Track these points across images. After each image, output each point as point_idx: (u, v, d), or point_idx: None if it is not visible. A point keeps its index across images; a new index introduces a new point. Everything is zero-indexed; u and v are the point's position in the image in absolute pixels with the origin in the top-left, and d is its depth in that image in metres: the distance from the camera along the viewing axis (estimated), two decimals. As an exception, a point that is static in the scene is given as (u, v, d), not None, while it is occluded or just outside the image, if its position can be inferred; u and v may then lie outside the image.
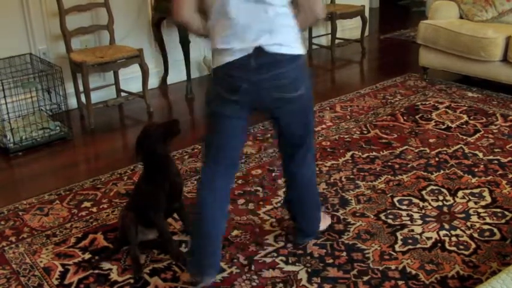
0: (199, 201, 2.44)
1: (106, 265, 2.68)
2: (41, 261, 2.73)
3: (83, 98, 4.46)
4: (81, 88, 4.42)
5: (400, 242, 2.78)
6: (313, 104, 2.53)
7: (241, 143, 2.50)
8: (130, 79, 4.91)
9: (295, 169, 2.58)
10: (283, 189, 3.27)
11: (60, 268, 2.68)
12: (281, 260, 2.68)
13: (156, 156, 2.63)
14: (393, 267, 2.60)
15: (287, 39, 2.20)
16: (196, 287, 2.46)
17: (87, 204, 3.24)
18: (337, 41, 6.21)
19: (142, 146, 2.62)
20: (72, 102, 4.64)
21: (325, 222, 2.88)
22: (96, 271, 2.64)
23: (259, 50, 2.15)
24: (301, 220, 2.74)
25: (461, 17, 5.20)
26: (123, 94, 4.83)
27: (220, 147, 2.38)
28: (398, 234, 2.85)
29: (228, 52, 2.18)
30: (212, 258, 2.44)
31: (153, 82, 5.21)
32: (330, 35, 6.22)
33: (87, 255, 2.76)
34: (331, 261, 2.66)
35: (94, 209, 3.18)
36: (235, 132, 2.38)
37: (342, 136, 4.03)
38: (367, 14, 6.50)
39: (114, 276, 2.61)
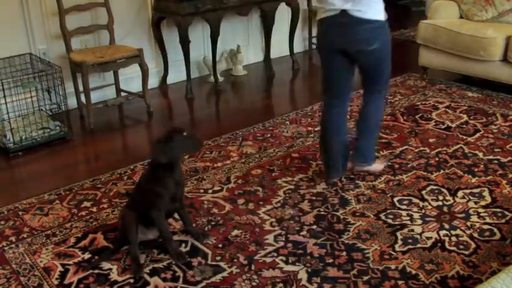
0: (322, 119, 3.40)
1: (106, 265, 2.68)
2: (41, 261, 2.73)
3: (82, 98, 4.46)
4: (81, 88, 4.42)
5: (400, 242, 2.78)
6: (388, 59, 3.22)
7: (344, 79, 3.23)
8: (130, 79, 4.91)
9: (365, 102, 3.35)
10: (283, 190, 3.29)
11: (60, 268, 2.68)
12: (281, 260, 2.67)
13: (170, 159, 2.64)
14: (393, 267, 2.60)
15: (364, 8, 2.92)
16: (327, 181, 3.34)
17: (87, 204, 3.24)
18: (337, 41, 6.21)
19: (157, 146, 2.62)
20: (72, 102, 4.63)
21: (380, 164, 3.47)
22: (96, 271, 2.64)
23: (343, 12, 2.94)
24: (360, 140, 3.39)
25: (461, 17, 5.20)
26: (123, 94, 4.83)
27: (328, 80, 3.28)
28: (398, 234, 2.85)
29: (323, 10, 3.04)
30: (331, 162, 3.31)
31: (153, 82, 5.21)
32: (329, 35, 6.22)
33: (87, 255, 2.76)
34: (331, 261, 2.66)
35: (94, 209, 3.18)
36: (336, 69, 3.19)
37: (341, 136, 4.03)
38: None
39: (114, 276, 2.61)
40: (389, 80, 3.41)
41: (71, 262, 2.72)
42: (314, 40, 6.44)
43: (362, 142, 3.39)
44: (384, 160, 3.58)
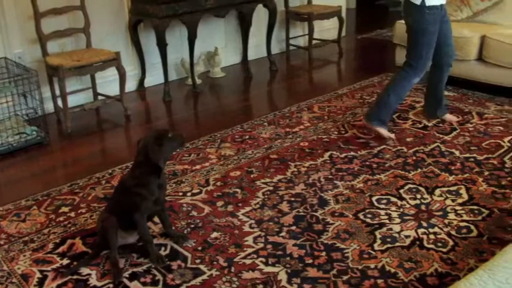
0: None
1: (85, 270, 2.66)
2: (19, 268, 2.70)
3: (59, 102, 4.43)
4: (57, 92, 4.38)
5: (379, 241, 2.80)
6: (418, 40, 3.81)
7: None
8: (108, 82, 4.88)
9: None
10: (262, 191, 3.29)
11: (38, 274, 2.65)
12: (261, 261, 2.68)
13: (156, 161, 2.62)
14: (372, 266, 2.62)
15: None
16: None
17: (65, 209, 3.21)
18: (314, 42, 6.24)
19: (150, 150, 2.59)
20: (49, 107, 4.59)
21: (386, 132, 3.96)
22: (75, 276, 2.62)
23: None
24: (374, 104, 4.08)
25: (436, 17, 5.24)
26: (100, 97, 4.80)
27: None
28: (377, 233, 2.87)
29: None
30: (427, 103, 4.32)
31: (131, 85, 5.18)
32: (307, 36, 6.25)
33: (65, 261, 2.74)
34: (310, 261, 2.67)
35: (72, 214, 3.15)
36: None
37: (320, 136, 4.05)
38: (344, 14, 6.54)
39: (93, 281, 2.58)
40: (419, 63, 3.88)
41: (49, 268, 2.69)
42: (291, 41, 6.46)
43: (374, 106, 4.06)
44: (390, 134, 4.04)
